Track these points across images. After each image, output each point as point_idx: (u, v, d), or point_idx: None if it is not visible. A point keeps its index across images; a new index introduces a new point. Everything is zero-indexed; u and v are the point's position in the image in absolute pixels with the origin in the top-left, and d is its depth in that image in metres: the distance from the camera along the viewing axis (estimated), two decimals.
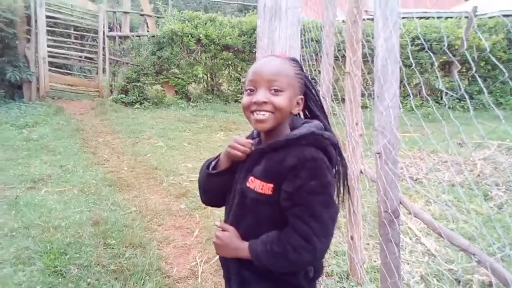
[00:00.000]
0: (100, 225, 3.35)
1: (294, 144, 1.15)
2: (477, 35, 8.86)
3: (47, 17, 8.96)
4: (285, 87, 1.16)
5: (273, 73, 1.16)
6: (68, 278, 2.61)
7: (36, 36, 8.75)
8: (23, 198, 3.89)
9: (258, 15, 2.53)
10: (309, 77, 1.28)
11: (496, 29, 9.35)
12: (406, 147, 5.46)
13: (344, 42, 2.45)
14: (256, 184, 1.17)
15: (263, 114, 1.15)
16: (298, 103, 1.22)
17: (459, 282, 2.59)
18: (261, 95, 1.15)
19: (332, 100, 2.68)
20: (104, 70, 9.81)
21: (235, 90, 10.00)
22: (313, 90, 1.26)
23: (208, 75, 10.02)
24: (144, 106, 9.11)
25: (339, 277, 2.67)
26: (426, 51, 8.41)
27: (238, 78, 9.90)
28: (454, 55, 8.91)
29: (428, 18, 9.74)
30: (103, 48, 9.70)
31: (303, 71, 1.24)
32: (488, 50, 1.89)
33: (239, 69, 9.86)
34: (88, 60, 10.62)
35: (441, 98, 9.08)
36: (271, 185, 1.15)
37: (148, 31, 10.14)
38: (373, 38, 1.62)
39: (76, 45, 10.62)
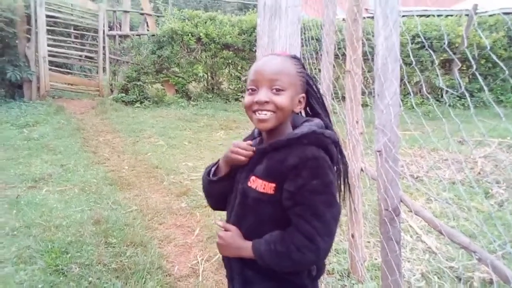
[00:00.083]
0: (101, 224, 3.35)
1: (296, 144, 1.15)
2: (477, 33, 8.84)
3: (47, 16, 8.96)
4: (287, 86, 1.16)
5: (275, 72, 1.15)
6: (69, 277, 2.62)
7: (36, 35, 8.75)
8: (24, 197, 3.90)
9: (258, 14, 2.53)
10: (311, 75, 1.28)
11: (496, 27, 9.34)
12: (407, 145, 5.47)
13: (345, 41, 2.45)
14: (258, 184, 1.17)
15: (265, 114, 1.15)
16: (300, 101, 1.22)
17: (460, 279, 2.60)
18: (262, 94, 1.15)
19: (333, 99, 2.68)
20: (104, 69, 9.80)
21: (236, 88, 10.00)
22: (314, 88, 1.26)
23: (209, 74, 10.02)
24: (145, 105, 9.12)
25: (340, 275, 2.67)
26: (427, 49, 8.40)
27: (238, 77, 9.90)
28: (454, 53, 8.90)
29: (428, 16, 9.73)
30: (103, 47, 9.70)
31: (304, 68, 1.24)
32: (488, 48, 1.89)
33: (239, 68, 9.86)
34: (88, 59, 10.61)
35: (442, 96, 9.08)
36: (273, 185, 1.15)
37: (148, 30, 10.14)
38: (373, 36, 1.62)
39: (76, 44, 10.62)
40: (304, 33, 2.92)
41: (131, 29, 10.32)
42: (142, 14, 10.34)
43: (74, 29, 10.52)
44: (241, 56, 9.64)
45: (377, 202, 1.77)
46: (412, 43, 8.60)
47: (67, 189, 4.19)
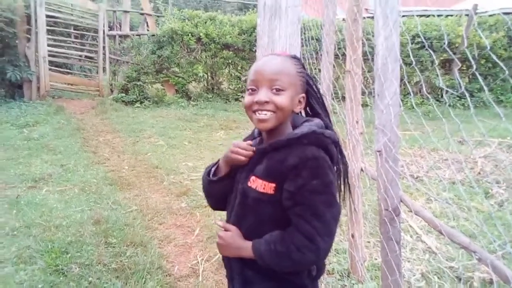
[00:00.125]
0: (101, 224, 3.35)
1: (296, 144, 1.15)
2: (477, 33, 8.84)
3: (47, 16, 8.96)
4: (287, 86, 1.16)
5: (275, 72, 1.15)
6: (69, 277, 2.62)
7: (36, 35, 8.75)
8: (24, 197, 3.90)
9: (258, 14, 2.53)
10: (311, 75, 1.28)
11: (496, 27, 9.34)
12: (407, 145, 5.47)
13: (344, 41, 2.45)
14: (258, 184, 1.17)
15: (265, 114, 1.15)
16: (300, 101, 1.22)
17: (460, 279, 2.60)
18: (262, 94, 1.15)
19: (333, 99, 2.68)
20: (104, 69, 9.80)
21: (236, 88, 10.00)
22: (314, 88, 1.26)
23: (209, 74, 10.02)
24: (145, 105, 9.12)
25: (340, 275, 2.67)
26: (427, 49, 8.40)
27: (238, 77, 9.90)
28: (454, 53, 8.90)
29: (428, 16, 9.73)
30: (103, 47, 9.70)
31: (304, 68, 1.24)
32: (488, 48, 1.90)
33: (239, 68, 9.86)
34: (88, 59, 10.62)
35: (442, 96, 9.08)
36: (273, 185, 1.15)
37: (148, 30, 10.14)
38: (373, 36, 1.62)
39: (76, 44, 10.62)
40: (304, 33, 2.92)
41: (131, 29, 10.32)
42: (142, 14, 10.35)
43: (74, 29, 10.52)
44: (241, 56, 9.64)
45: (377, 202, 1.77)
46: (412, 43, 8.60)
47: (67, 189, 4.19)
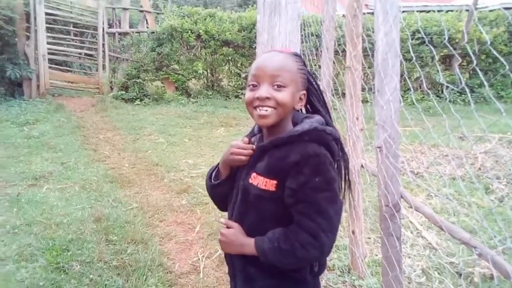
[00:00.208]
0: (102, 222, 3.36)
1: (297, 140, 1.14)
2: (477, 28, 8.82)
3: (46, 14, 8.94)
4: (288, 83, 1.16)
5: (276, 69, 1.15)
6: (70, 274, 2.63)
7: (36, 33, 8.74)
8: (25, 195, 3.90)
9: (258, 10, 2.52)
10: (311, 72, 1.28)
11: (497, 22, 9.31)
12: (407, 141, 5.46)
13: (344, 37, 2.44)
14: (259, 181, 1.17)
15: (266, 110, 1.15)
16: (300, 98, 1.21)
17: (460, 275, 2.60)
18: (263, 90, 1.15)
19: (333, 95, 2.68)
20: (104, 67, 9.79)
21: (235, 85, 9.99)
22: (315, 85, 1.26)
23: (208, 71, 10.01)
24: (145, 102, 9.11)
25: (340, 271, 2.67)
26: (427, 45, 8.39)
27: (238, 74, 9.89)
28: (454, 49, 8.88)
29: (428, 11, 9.71)
30: (103, 45, 9.68)
31: (305, 66, 1.24)
32: (489, 43, 1.89)
33: (239, 65, 9.84)
34: (88, 57, 10.61)
35: (442, 92, 9.07)
36: (275, 182, 1.15)
37: (147, 27, 10.12)
38: (373, 32, 1.62)
39: (75, 42, 10.60)
40: (304, 30, 2.91)
41: (130, 27, 10.30)
42: (141, 11, 10.32)
43: (74, 27, 10.50)
44: (241, 53, 9.62)
45: (378, 198, 1.77)
46: (412, 39, 8.57)
47: (67, 187, 4.19)
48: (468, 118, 5.36)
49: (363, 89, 2.51)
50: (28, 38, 8.76)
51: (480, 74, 1.62)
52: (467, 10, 9.24)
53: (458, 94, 8.87)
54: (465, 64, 9.52)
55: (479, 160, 4.76)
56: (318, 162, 1.12)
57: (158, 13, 10.78)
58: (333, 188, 1.14)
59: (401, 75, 1.60)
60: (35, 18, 8.64)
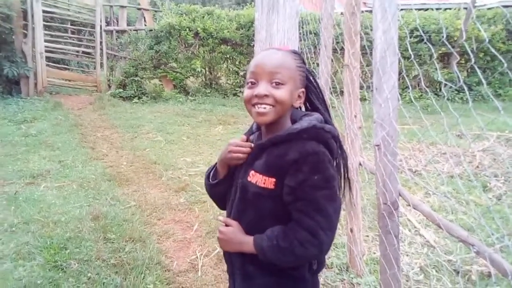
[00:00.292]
0: (100, 220, 3.35)
1: (296, 138, 1.14)
2: (476, 26, 8.83)
3: (44, 11, 8.91)
4: (287, 80, 1.15)
5: (275, 66, 1.15)
6: (68, 272, 2.62)
7: (33, 31, 8.70)
8: (23, 193, 3.89)
9: (256, 8, 2.51)
10: (310, 70, 1.27)
11: (495, 20, 9.32)
12: (405, 139, 5.47)
13: (343, 35, 2.44)
14: (258, 178, 1.17)
15: (264, 107, 1.15)
16: (299, 96, 1.21)
17: (458, 273, 2.61)
18: (262, 88, 1.14)
19: (331, 93, 2.67)
20: (101, 65, 9.77)
21: (234, 83, 9.98)
22: (314, 83, 1.25)
23: (206, 69, 9.99)
24: (142, 100, 9.09)
25: (339, 269, 2.68)
26: (425, 43, 8.38)
27: (236, 72, 9.87)
28: (453, 47, 8.88)
29: (427, 9, 9.71)
30: (101, 43, 9.65)
31: (304, 63, 1.23)
32: (487, 41, 1.89)
33: (237, 63, 9.83)
34: (86, 55, 10.57)
35: (440, 90, 9.08)
36: (273, 180, 1.15)
37: (145, 25, 10.09)
38: (371, 30, 1.62)
39: (73, 39, 10.56)
40: (302, 27, 2.91)
41: (128, 24, 10.27)
42: (139, 9, 10.29)
43: (71, 25, 10.47)
44: (239, 51, 9.61)
45: (376, 196, 1.77)
46: (410, 37, 8.57)
47: (65, 185, 4.18)
48: (466, 116, 5.37)
49: (361, 87, 2.51)
50: (25, 36, 8.72)
51: (478, 72, 1.63)
52: (466, 8, 9.24)
53: (456, 92, 8.88)
54: (463, 62, 9.53)
55: (477, 158, 4.77)
56: (317, 160, 1.11)
57: (156, 11, 10.75)
58: (332, 186, 1.14)
59: (399, 73, 1.59)
60: (32, 16, 8.60)
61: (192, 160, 5.12)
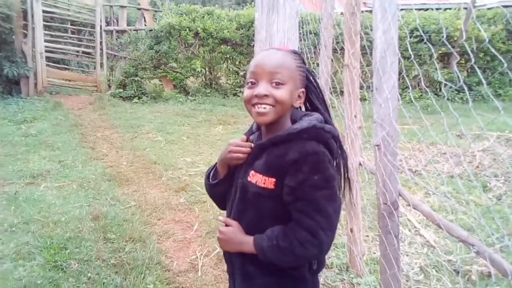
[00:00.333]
0: (100, 220, 3.35)
1: (296, 138, 1.14)
2: (476, 26, 8.83)
3: (44, 11, 8.90)
4: (287, 80, 1.15)
5: (275, 66, 1.15)
6: (68, 272, 2.62)
7: (33, 31, 8.70)
8: (23, 193, 3.89)
9: (256, 8, 2.51)
10: (310, 70, 1.27)
11: (495, 20, 9.32)
12: (405, 139, 5.47)
13: (343, 35, 2.44)
14: (258, 178, 1.17)
15: (264, 107, 1.15)
16: (299, 96, 1.21)
17: (458, 272, 2.61)
18: (262, 88, 1.14)
19: (331, 93, 2.67)
20: (101, 65, 9.77)
21: (234, 83, 9.98)
22: (314, 83, 1.25)
23: (206, 69, 9.99)
24: (142, 100, 9.09)
25: (339, 269, 2.68)
26: (425, 43, 8.38)
27: (236, 72, 9.87)
28: (453, 47, 8.88)
29: (427, 9, 9.71)
30: (101, 43, 9.65)
31: (304, 63, 1.23)
32: (487, 41, 1.89)
33: (237, 63, 9.83)
34: (86, 55, 10.57)
35: (440, 90, 9.08)
36: (273, 179, 1.15)
37: (145, 25, 10.09)
38: (371, 30, 1.62)
39: (73, 39, 10.57)
40: (302, 27, 2.91)
41: (128, 24, 10.27)
42: (139, 9, 10.28)
43: (71, 25, 10.47)
44: (239, 51, 9.61)
45: (376, 196, 1.77)
46: (410, 37, 8.57)
47: (65, 185, 4.18)
48: (466, 116, 5.37)
49: (361, 87, 2.50)
50: (25, 36, 8.72)
51: (478, 72, 1.63)
52: (466, 8, 9.24)
53: (456, 92, 8.87)
54: (463, 62, 9.53)
55: (477, 158, 4.77)
56: (317, 160, 1.11)
57: (156, 11, 10.75)
58: (332, 186, 1.14)
59: (399, 73, 1.59)
60: (32, 16, 8.60)
61: (192, 160, 5.12)
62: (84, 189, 4.10)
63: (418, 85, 9.32)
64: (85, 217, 3.40)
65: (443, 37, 8.53)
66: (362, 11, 2.60)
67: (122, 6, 9.96)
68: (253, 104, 1.16)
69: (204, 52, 9.55)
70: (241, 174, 1.23)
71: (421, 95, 8.83)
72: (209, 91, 9.71)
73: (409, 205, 1.69)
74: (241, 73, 9.70)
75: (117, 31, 9.95)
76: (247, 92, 1.18)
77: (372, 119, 1.68)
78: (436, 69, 8.86)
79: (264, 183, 1.16)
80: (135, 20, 11.01)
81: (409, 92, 7.73)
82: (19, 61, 8.45)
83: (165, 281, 2.61)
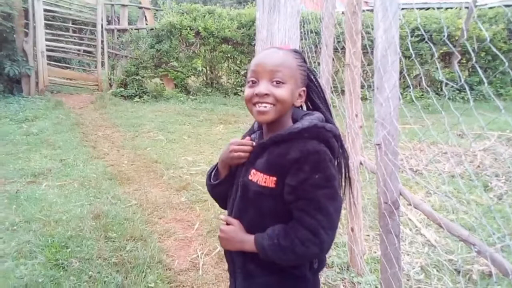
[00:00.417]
0: (101, 219, 3.36)
1: (297, 137, 1.14)
2: (477, 26, 8.81)
3: (45, 10, 8.92)
4: (287, 79, 1.15)
5: (276, 65, 1.15)
6: (69, 271, 2.63)
7: (34, 29, 8.71)
8: (24, 192, 3.90)
9: (257, 7, 2.51)
10: (311, 69, 1.27)
11: (496, 20, 9.31)
12: (406, 138, 5.47)
13: (344, 34, 2.44)
14: (259, 177, 1.17)
15: (265, 106, 1.15)
16: (300, 95, 1.21)
17: (459, 272, 2.61)
18: (263, 87, 1.14)
19: (332, 92, 2.67)
20: (103, 64, 9.78)
21: (235, 83, 9.98)
22: (315, 82, 1.25)
23: (207, 68, 9.99)
24: (144, 99, 9.10)
25: (339, 268, 2.68)
26: (426, 42, 8.37)
27: (237, 71, 9.87)
28: (454, 46, 8.87)
29: (428, 8, 9.69)
30: (102, 42, 9.66)
31: (305, 62, 1.23)
32: (488, 40, 1.88)
33: (238, 62, 9.83)
34: (87, 54, 10.59)
35: (441, 89, 9.07)
36: (274, 178, 1.15)
37: (146, 24, 10.10)
38: (372, 29, 1.61)
39: (74, 38, 10.58)
40: (303, 26, 2.90)
41: (129, 23, 10.28)
42: (140, 8, 10.30)
43: (72, 23, 10.49)
44: (240, 50, 9.60)
45: (377, 195, 1.77)
46: (411, 36, 8.56)
47: (66, 184, 4.19)
48: (467, 115, 5.36)
49: (362, 86, 2.50)
50: (26, 34, 8.73)
51: (480, 71, 1.63)
52: (467, 8, 9.23)
53: (458, 91, 8.87)
54: (464, 61, 9.53)
55: (478, 157, 4.76)
56: (318, 159, 1.11)
57: (157, 10, 10.76)
58: (333, 185, 1.14)
59: (401, 72, 1.59)
60: (33, 15, 8.61)
61: (193, 159, 5.13)
62: (85, 188, 4.10)
63: (419, 85, 9.31)
64: (86, 216, 3.41)
65: (444, 36, 8.52)
66: (363, 10, 2.59)
67: (123, 5, 9.98)
68: (254, 103, 1.16)
69: (205, 51, 9.55)
70: (242, 173, 1.23)
71: (422, 95, 8.82)
72: (210, 90, 9.71)
73: (410, 205, 1.69)
74: (242, 72, 9.70)
75: (118, 30, 9.96)
76: (247, 91, 1.18)
77: (373, 118, 1.68)
78: (437, 68, 8.85)
79: (265, 182, 1.16)
80: (136, 19, 11.03)
81: (410, 92, 7.72)
82: (20, 60, 8.46)
83: (166, 280, 2.61)
